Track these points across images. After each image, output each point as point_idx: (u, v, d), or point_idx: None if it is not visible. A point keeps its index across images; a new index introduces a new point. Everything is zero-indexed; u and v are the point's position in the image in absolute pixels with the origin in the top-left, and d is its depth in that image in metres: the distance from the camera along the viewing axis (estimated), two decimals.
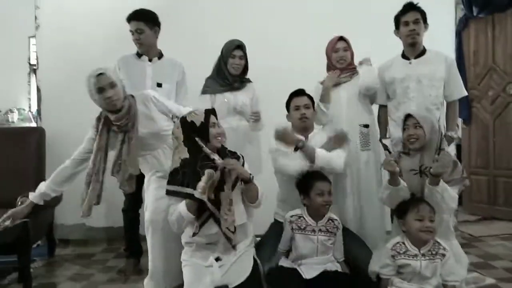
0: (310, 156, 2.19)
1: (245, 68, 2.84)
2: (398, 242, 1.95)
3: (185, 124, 1.97)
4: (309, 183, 2.11)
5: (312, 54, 2.92)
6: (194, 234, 1.92)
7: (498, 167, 3.91)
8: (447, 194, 1.96)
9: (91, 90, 2.15)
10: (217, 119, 2.04)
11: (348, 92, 2.64)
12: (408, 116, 2.14)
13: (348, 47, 2.68)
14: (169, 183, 1.95)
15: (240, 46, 2.78)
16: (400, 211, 1.99)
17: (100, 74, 2.13)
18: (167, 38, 2.90)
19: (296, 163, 2.21)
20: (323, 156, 2.21)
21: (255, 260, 2.02)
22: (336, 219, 2.14)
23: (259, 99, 2.89)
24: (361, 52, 2.69)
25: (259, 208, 2.04)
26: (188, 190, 1.88)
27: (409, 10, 2.54)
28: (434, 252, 1.90)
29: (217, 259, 1.93)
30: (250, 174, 1.96)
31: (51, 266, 3.02)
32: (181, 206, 1.88)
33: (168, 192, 1.95)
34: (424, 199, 1.98)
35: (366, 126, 2.64)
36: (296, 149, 2.20)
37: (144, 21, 2.72)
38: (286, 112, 2.47)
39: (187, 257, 2.00)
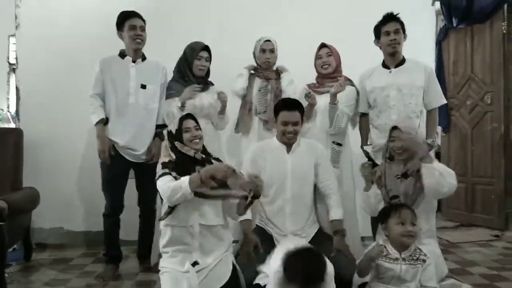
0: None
1: (208, 71, 2.86)
2: (380, 245, 1.98)
3: (168, 133, 2.13)
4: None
5: (302, 57, 2.94)
6: (167, 214, 1.95)
7: (476, 174, 4.00)
8: (444, 170, 2.08)
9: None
10: (196, 122, 2.13)
11: (325, 102, 2.68)
12: (394, 128, 2.21)
13: (331, 53, 2.74)
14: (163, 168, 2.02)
15: (207, 47, 2.79)
16: (383, 216, 2.03)
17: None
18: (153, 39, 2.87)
19: None
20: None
21: (234, 267, 2.02)
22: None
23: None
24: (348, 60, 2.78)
25: None
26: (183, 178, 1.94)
27: (389, 20, 2.59)
28: (415, 258, 1.93)
29: (194, 264, 1.94)
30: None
31: (27, 271, 2.94)
32: (184, 178, 1.90)
33: (164, 174, 1.97)
34: (405, 204, 2.05)
35: (339, 144, 2.72)
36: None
37: (143, 20, 2.74)
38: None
39: (164, 264, 2.01)
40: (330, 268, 1.75)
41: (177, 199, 1.89)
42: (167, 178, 1.94)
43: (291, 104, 2.31)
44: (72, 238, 3.47)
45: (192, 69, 2.77)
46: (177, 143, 2.06)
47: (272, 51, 2.86)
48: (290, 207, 2.28)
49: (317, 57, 2.80)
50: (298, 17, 3.57)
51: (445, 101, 2.74)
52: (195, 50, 2.76)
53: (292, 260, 1.62)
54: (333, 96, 2.62)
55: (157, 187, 1.96)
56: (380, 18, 2.65)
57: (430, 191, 2.09)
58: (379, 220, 2.08)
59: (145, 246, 2.91)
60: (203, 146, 2.14)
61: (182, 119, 2.11)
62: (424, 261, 1.93)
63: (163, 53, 2.98)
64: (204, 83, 2.83)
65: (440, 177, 2.05)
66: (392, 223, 1.95)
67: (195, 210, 1.97)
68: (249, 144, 2.80)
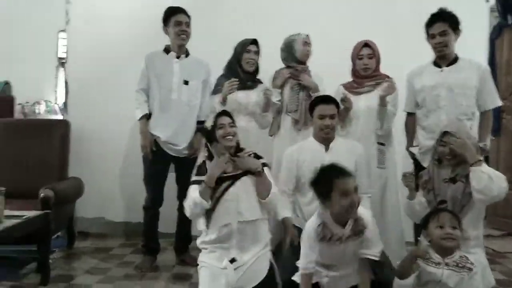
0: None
1: (257, 67, 2.83)
2: (426, 245, 1.92)
3: (204, 129, 2.27)
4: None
5: (337, 54, 2.89)
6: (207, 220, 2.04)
7: None
8: (494, 173, 1.96)
9: None
10: (232, 119, 2.17)
11: (368, 103, 2.59)
12: (445, 133, 2.09)
13: (373, 54, 2.63)
14: (196, 175, 2.13)
15: (255, 41, 2.77)
16: (424, 221, 1.96)
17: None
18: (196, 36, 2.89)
19: None
20: None
21: (271, 264, 2.02)
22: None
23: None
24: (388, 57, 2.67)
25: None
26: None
27: (435, 21, 2.45)
28: (460, 265, 1.83)
29: (232, 260, 1.95)
30: (261, 167, 2.07)
31: (70, 258, 3.05)
32: (194, 193, 2.00)
33: (194, 182, 2.09)
34: (446, 208, 1.97)
35: (382, 144, 2.62)
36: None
37: (188, 16, 2.77)
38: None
39: (203, 259, 2.05)
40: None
41: (199, 211, 2.02)
42: (192, 193, 2.04)
43: (327, 97, 2.31)
44: (112, 228, 3.56)
45: (241, 64, 2.76)
46: (207, 144, 2.15)
47: (310, 45, 2.81)
48: None
49: (358, 56, 2.65)
50: (333, 15, 3.50)
51: (500, 103, 2.59)
52: (244, 44, 2.77)
53: (319, 174, 1.83)
54: (383, 99, 2.53)
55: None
56: (427, 13, 2.53)
57: (478, 195, 1.97)
58: (421, 226, 1.99)
59: (183, 239, 2.95)
60: (238, 143, 2.15)
61: (217, 115, 2.16)
62: (470, 269, 1.83)
63: (206, 51, 3.00)
64: (252, 80, 2.81)
65: (489, 180, 1.93)
66: (432, 227, 1.88)
67: (233, 209, 1.98)
68: (280, 142, 2.75)
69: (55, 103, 3.96)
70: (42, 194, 2.63)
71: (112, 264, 2.90)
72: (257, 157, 2.15)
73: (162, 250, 3.01)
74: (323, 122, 2.25)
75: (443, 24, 2.44)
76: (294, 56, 2.77)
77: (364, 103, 2.60)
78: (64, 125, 3.32)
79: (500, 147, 4.00)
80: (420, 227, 2.16)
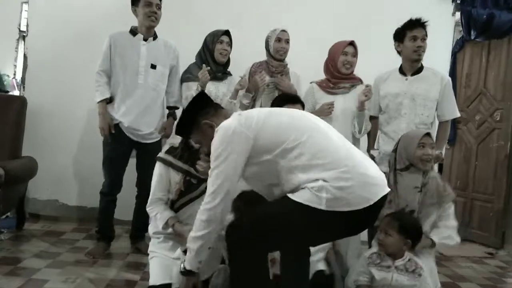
0: None
1: (229, 59, 2.82)
2: (374, 252, 1.98)
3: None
4: None
5: (317, 53, 2.87)
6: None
7: (476, 190, 3.97)
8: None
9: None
10: None
11: (345, 105, 2.60)
12: (426, 134, 2.15)
13: (356, 54, 2.63)
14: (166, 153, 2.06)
15: (228, 32, 2.75)
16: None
17: None
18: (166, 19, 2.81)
19: None
20: None
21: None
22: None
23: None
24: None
25: None
26: (185, 167, 2.00)
27: (418, 25, 2.52)
28: (410, 270, 1.91)
29: (186, 251, 1.91)
30: None
31: (18, 240, 2.93)
32: (160, 220, 1.97)
33: (161, 159, 2.01)
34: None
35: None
36: None
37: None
38: None
39: (155, 249, 2.01)
40: None
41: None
42: (157, 186, 2.02)
43: (295, 98, 2.29)
44: (66, 211, 3.45)
45: (213, 55, 2.73)
46: None
47: (287, 41, 2.74)
48: None
49: (342, 52, 2.59)
50: (311, 13, 3.53)
51: (458, 115, 2.69)
52: (216, 34, 2.74)
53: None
54: (362, 104, 2.54)
55: (150, 197, 2.05)
56: (395, 22, 2.61)
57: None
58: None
59: (139, 227, 2.89)
60: None
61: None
62: (420, 275, 1.91)
63: (175, 35, 2.95)
64: (223, 72, 2.79)
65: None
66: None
67: (194, 211, 1.93)
68: None
69: (14, 78, 3.78)
70: None
71: (62, 248, 2.81)
72: None
73: (117, 237, 2.95)
74: None
75: (424, 30, 2.52)
76: (270, 53, 2.73)
77: (342, 105, 2.59)
78: (20, 101, 3.16)
79: (453, 156, 4.19)
80: (373, 229, 2.23)
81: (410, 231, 1.92)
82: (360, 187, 1.45)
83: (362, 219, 1.52)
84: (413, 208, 2.08)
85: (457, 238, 2.09)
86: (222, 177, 1.52)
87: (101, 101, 2.68)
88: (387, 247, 1.92)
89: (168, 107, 2.89)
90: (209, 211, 1.54)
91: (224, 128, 1.55)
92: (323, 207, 1.42)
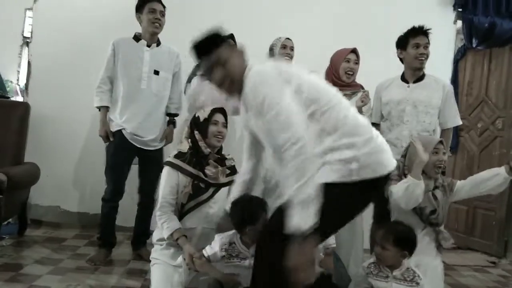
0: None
1: None
2: (372, 262, 1.97)
3: (193, 118, 2.08)
4: None
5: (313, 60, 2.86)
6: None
7: (478, 199, 3.90)
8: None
9: None
10: (226, 119, 2.09)
11: None
12: (440, 142, 2.16)
13: (358, 61, 2.64)
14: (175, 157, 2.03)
15: (232, 36, 2.75)
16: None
17: None
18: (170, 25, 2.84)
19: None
20: None
21: None
22: None
23: None
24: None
25: None
26: (194, 171, 1.98)
27: (421, 33, 2.53)
28: (408, 278, 1.90)
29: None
30: None
31: (20, 246, 2.93)
32: (166, 230, 1.91)
33: (169, 163, 1.99)
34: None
35: None
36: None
37: (164, 6, 2.72)
38: None
39: (157, 256, 2.01)
40: None
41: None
42: (167, 189, 1.97)
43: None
44: (67, 218, 3.45)
45: None
46: (196, 134, 2.03)
47: (292, 49, 2.82)
48: None
49: (345, 59, 2.60)
50: (314, 20, 3.55)
51: (460, 122, 2.70)
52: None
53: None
54: (360, 109, 2.54)
55: (158, 201, 1.99)
56: (397, 30, 2.62)
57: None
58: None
59: (141, 234, 2.89)
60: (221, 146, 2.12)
61: (214, 110, 2.06)
62: (417, 283, 1.90)
63: (176, 41, 2.95)
64: None
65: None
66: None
67: (203, 214, 1.98)
68: None
69: (17, 84, 3.79)
70: None
71: (64, 255, 2.81)
72: (234, 169, 2.11)
73: (118, 244, 2.94)
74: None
75: (425, 37, 2.53)
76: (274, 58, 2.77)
77: None
78: (23, 107, 3.17)
79: (456, 163, 4.18)
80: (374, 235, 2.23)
81: (406, 242, 1.91)
82: (380, 153, 1.46)
83: (377, 189, 1.54)
84: (433, 208, 2.08)
85: None
86: (284, 112, 1.36)
87: (101, 108, 2.69)
88: (385, 261, 1.91)
89: (168, 114, 2.88)
90: (298, 152, 1.32)
91: (262, 71, 1.44)
92: (355, 178, 1.38)
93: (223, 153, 2.15)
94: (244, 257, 1.78)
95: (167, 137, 2.86)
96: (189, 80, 2.79)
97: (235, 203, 1.80)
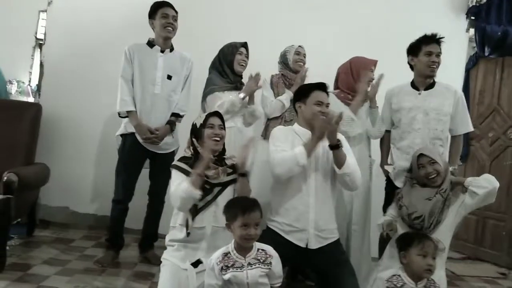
0: (341, 160, 2.02)
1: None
2: (394, 275, 1.93)
3: (192, 126, 2.11)
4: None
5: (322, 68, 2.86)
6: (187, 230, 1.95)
7: (488, 208, 3.87)
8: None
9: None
10: (223, 121, 2.10)
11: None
12: (420, 156, 2.20)
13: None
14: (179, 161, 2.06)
15: (245, 44, 2.82)
16: (404, 243, 1.97)
17: None
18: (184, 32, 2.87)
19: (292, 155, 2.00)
20: (353, 164, 2.07)
21: None
22: None
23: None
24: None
25: None
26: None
27: (434, 41, 2.51)
28: None
29: (198, 262, 1.93)
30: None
31: (28, 247, 2.94)
32: (185, 184, 1.88)
33: (176, 167, 2.01)
34: (429, 236, 2.00)
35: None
36: (333, 147, 2.00)
37: (176, 11, 2.74)
38: None
39: (168, 257, 2.01)
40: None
41: (188, 207, 1.93)
42: (177, 182, 1.95)
43: (323, 85, 2.20)
44: (76, 219, 3.46)
45: (233, 65, 2.76)
46: (194, 140, 2.06)
47: (304, 56, 2.89)
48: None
49: (369, 69, 2.63)
50: (321, 29, 3.54)
51: (472, 129, 2.66)
52: (235, 46, 2.78)
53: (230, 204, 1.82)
54: (373, 99, 2.59)
55: (170, 192, 1.98)
56: (409, 38, 2.61)
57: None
58: (399, 247, 2.00)
59: (149, 236, 2.90)
60: (224, 149, 2.12)
61: (209, 115, 2.09)
62: None
63: (188, 47, 2.97)
64: (240, 82, 2.84)
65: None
66: (413, 253, 1.89)
67: (211, 213, 1.97)
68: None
69: (28, 85, 3.83)
70: (5, 178, 2.53)
71: (72, 256, 2.82)
72: (234, 168, 2.08)
73: (126, 246, 2.94)
74: (321, 109, 2.12)
75: (438, 46, 2.51)
76: (288, 65, 2.85)
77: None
78: (35, 108, 3.20)
79: (466, 172, 4.13)
80: (384, 244, 2.21)
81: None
82: None
83: None
84: (421, 214, 2.11)
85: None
86: None
87: (131, 112, 2.68)
88: (433, 271, 1.88)
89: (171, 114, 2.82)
90: None
91: None
92: None
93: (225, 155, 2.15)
94: (240, 266, 1.73)
95: (159, 134, 2.71)
96: (204, 99, 2.79)
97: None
